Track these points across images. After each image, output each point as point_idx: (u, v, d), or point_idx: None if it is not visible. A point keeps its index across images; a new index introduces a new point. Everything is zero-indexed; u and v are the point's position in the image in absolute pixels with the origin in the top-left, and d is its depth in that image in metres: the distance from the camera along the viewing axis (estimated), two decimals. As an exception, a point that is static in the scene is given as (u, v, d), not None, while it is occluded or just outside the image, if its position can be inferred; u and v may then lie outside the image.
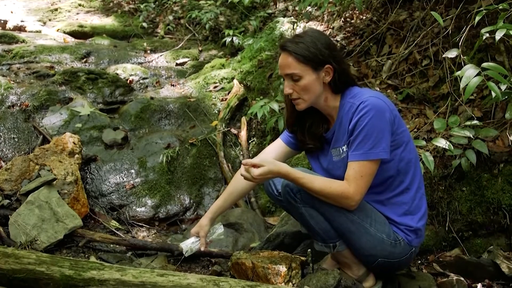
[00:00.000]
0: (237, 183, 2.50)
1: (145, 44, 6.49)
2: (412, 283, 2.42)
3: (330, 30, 4.60)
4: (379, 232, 2.14)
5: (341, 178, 2.10)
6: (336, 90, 2.20)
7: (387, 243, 2.15)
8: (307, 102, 2.18)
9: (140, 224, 3.52)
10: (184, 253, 2.46)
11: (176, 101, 4.64)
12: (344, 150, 2.15)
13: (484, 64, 2.45)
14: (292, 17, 5.25)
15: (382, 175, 2.12)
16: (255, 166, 2.04)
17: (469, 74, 2.45)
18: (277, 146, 2.48)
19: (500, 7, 2.59)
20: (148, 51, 6.31)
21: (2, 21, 6.58)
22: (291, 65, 2.13)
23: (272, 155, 2.46)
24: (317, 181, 2.06)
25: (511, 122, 2.78)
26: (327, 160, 2.29)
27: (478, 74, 2.44)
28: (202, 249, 2.49)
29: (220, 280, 1.92)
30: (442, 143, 2.77)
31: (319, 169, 2.33)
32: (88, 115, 4.15)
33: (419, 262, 2.84)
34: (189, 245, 2.47)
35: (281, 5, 6.13)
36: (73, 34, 6.76)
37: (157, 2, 7.48)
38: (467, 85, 2.44)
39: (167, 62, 6.02)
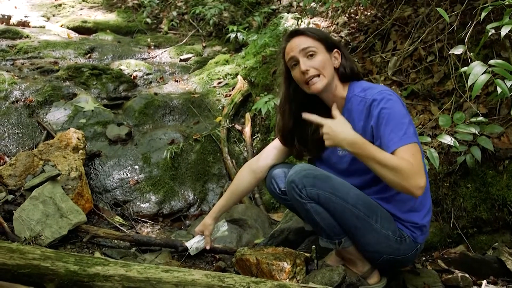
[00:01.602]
0: (240, 181, 2.50)
1: (148, 39, 6.48)
2: (416, 279, 2.42)
3: (334, 26, 4.59)
4: (385, 228, 2.13)
5: (345, 173, 2.09)
6: (344, 78, 2.20)
7: (393, 239, 2.15)
8: (326, 79, 2.15)
9: (144, 220, 3.52)
10: (189, 251, 2.47)
11: (180, 97, 4.64)
12: None
13: (492, 61, 2.44)
14: (296, 13, 5.24)
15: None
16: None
17: (476, 71, 2.43)
18: (278, 145, 2.48)
19: (506, 3, 2.58)
20: (152, 47, 6.30)
21: (6, 17, 6.59)
22: (306, 41, 2.16)
23: (273, 154, 2.47)
24: (389, 156, 1.94)
25: (517, 118, 2.78)
26: (328, 153, 2.28)
27: (485, 71, 2.43)
28: (207, 247, 2.51)
29: (225, 276, 1.92)
30: (447, 139, 2.76)
31: (319, 162, 2.32)
32: (92, 110, 4.14)
33: (424, 258, 2.84)
34: (194, 244, 2.49)
35: (285, 1, 6.11)
36: (76, 29, 6.77)
37: (161, -2, 7.47)
38: (474, 82, 2.42)
39: (171, 58, 6.01)
